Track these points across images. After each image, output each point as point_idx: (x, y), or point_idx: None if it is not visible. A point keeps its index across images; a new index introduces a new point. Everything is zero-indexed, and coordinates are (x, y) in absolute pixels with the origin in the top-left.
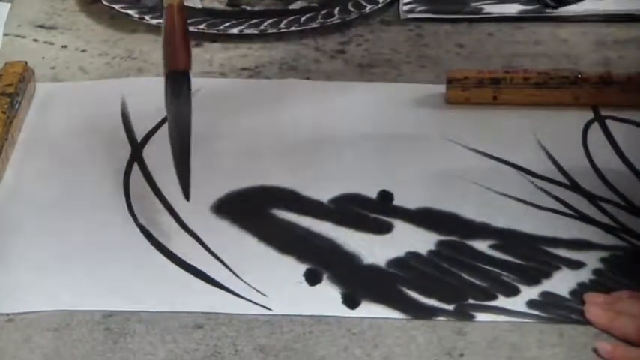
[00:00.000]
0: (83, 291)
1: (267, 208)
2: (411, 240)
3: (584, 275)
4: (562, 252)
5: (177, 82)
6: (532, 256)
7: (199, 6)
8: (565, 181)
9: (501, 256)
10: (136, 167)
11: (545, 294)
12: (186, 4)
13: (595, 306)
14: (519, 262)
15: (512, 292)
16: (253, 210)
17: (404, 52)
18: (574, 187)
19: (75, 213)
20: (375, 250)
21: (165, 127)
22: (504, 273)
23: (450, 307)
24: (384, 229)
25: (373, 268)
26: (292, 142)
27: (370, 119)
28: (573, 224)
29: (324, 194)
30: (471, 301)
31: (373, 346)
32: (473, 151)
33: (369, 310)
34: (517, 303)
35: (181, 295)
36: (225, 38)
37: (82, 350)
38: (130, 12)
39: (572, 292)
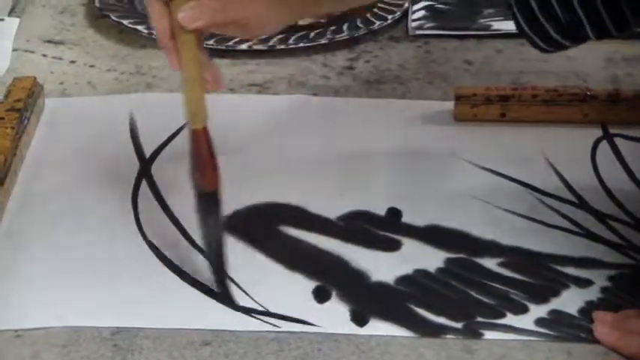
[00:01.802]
0: (91, 307)
1: (275, 225)
2: (419, 257)
3: (592, 294)
4: (570, 270)
5: (208, 202)
6: (540, 275)
7: None
8: (573, 199)
9: (510, 274)
10: (144, 183)
11: (553, 312)
12: None
13: (603, 324)
14: (528, 280)
15: (521, 310)
16: (262, 227)
17: (412, 69)
18: (582, 204)
19: (83, 229)
20: (383, 267)
21: (174, 143)
22: (513, 291)
23: (459, 325)
24: (393, 246)
25: (382, 286)
26: (300, 158)
27: (378, 136)
28: (581, 242)
29: (332, 211)
30: (479, 319)
31: None
32: (481, 168)
33: (377, 327)
34: (525, 321)
35: (189, 312)
36: (233, 54)
37: None
38: (139, 27)
39: (581, 311)
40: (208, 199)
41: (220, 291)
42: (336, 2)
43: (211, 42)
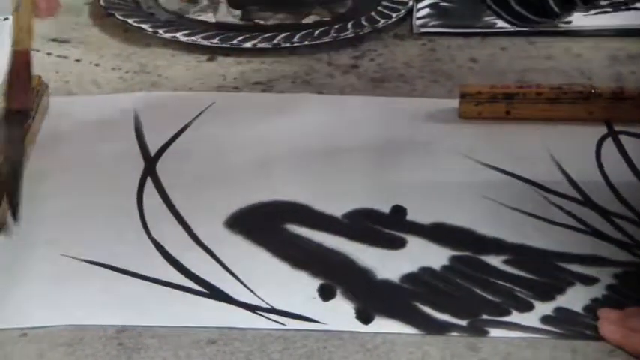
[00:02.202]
0: (96, 306)
1: (280, 223)
2: (424, 255)
3: (597, 291)
4: (575, 268)
5: (16, 120)
6: (545, 272)
7: (213, 20)
8: (578, 197)
9: (515, 272)
10: (149, 181)
11: (558, 310)
12: (199, 18)
13: (609, 322)
14: (533, 277)
15: (526, 307)
16: (267, 225)
17: (417, 67)
18: (587, 202)
19: (88, 227)
20: (388, 265)
21: (179, 142)
22: (518, 288)
23: (464, 323)
24: (398, 244)
25: (387, 284)
26: (305, 156)
27: (383, 134)
28: (586, 240)
29: (337, 209)
30: (484, 316)
31: None
32: (486, 166)
33: (382, 325)
34: (531, 319)
35: (194, 310)
36: (238, 52)
37: None
38: (144, 26)
39: (586, 308)
40: (16, 118)
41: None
42: None
43: (216, 40)
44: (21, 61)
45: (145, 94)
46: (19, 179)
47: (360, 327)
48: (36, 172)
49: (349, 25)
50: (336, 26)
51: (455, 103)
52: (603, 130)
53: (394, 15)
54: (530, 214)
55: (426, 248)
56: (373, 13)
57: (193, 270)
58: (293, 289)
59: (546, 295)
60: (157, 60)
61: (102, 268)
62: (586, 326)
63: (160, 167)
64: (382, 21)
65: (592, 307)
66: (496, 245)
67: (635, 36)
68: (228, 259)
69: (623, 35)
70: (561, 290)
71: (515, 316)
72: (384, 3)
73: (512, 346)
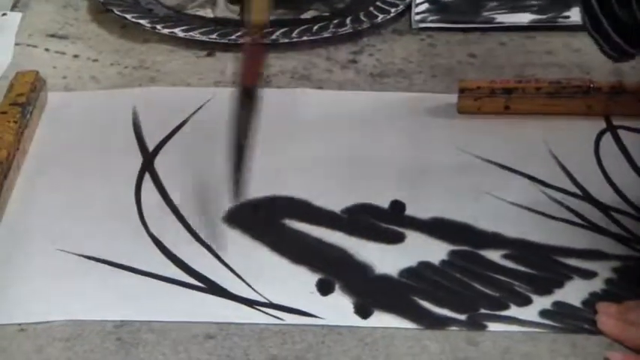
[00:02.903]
0: (94, 301)
1: (279, 218)
2: (423, 250)
3: (596, 285)
4: (574, 262)
5: (247, 96)
6: (544, 266)
7: (211, 15)
8: (577, 191)
9: (513, 266)
10: (147, 177)
11: (557, 304)
12: (197, 13)
13: (607, 316)
14: (531, 272)
15: (525, 302)
16: (265, 220)
17: (416, 62)
18: (586, 197)
19: (86, 222)
20: (387, 260)
21: (177, 137)
22: (517, 283)
23: (463, 317)
24: (397, 239)
25: (385, 278)
26: (304, 151)
27: (382, 129)
28: (585, 234)
29: (336, 204)
30: (483, 311)
31: (385, 356)
32: (485, 160)
33: (381, 320)
34: (529, 313)
35: (193, 305)
36: (237, 48)
37: None
38: (142, 22)
39: (585, 302)
40: (246, 95)
41: (234, 192)
42: None
43: (214, 36)
44: (255, 35)
45: (144, 89)
46: (242, 158)
47: (358, 322)
48: (34, 167)
49: (348, 20)
50: (335, 21)
51: (454, 98)
52: (602, 124)
53: (393, 10)
54: (529, 209)
55: (424, 243)
56: (372, 9)
57: (192, 265)
58: (291, 284)
59: (545, 290)
60: (156, 55)
61: (100, 264)
62: (585, 320)
63: (158, 162)
64: (381, 16)
65: (591, 302)
66: (495, 240)
67: None
68: (227, 255)
69: None
70: (560, 284)
71: (514, 311)
72: None
73: (511, 341)
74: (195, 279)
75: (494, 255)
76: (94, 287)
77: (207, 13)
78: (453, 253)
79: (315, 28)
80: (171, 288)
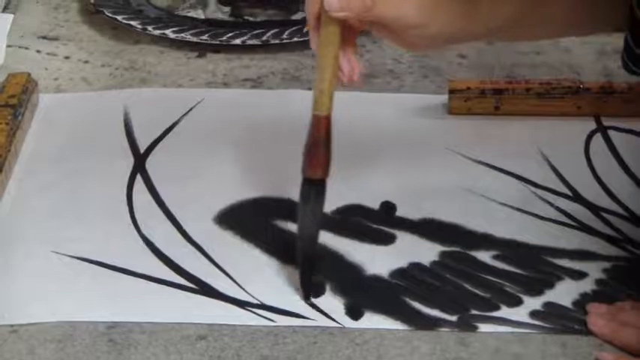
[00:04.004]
0: (86, 302)
1: (269, 219)
2: (413, 251)
3: (586, 286)
4: (564, 262)
5: (312, 190)
6: (535, 267)
7: (202, 17)
8: (567, 192)
9: (504, 267)
10: (139, 178)
11: (548, 304)
12: (188, 14)
13: (598, 316)
14: (522, 272)
15: (515, 302)
16: (256, 221)
17: (406, 63)
18: (576, 197)
19: (78, 224)
20: (377, 261)
21: (168, 138)
22: (507, 284)
23: (453, 318)
24: (387, 240)
25: (376, 279)
26: (295, 152)
27: (372, 130)
28: (576, 235)
29: (327, 205)
30: (473, 311)
31: (376, 357)
32: (475, 161)
33: (372, 320)
34: (520, 314)
35: (184, 306)
36: (228, 49)
37: None
38: (133, 23)
39: (575, 303)
40: (313, 187)
41: (304, 297)
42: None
43: (205, 37)
44: (320, 127)
45: (135, 90)
46: (312, 255)
47: (349, 323)
48: (25, 168)
49: None
50: None
51: (444, 98)
52: (592, 125)
53: None
54: (519, 210)
55: (415, 244)
56: None
57: (183, 266)
58: (283, 285)
59: (535, 290)
60: (147, 57)
61: (92, 265)
62: (575, 321)
63: (150, 164)
64: None
65: (581, 302)
66: (485, 241)
67: (624, 31)
68: (218, 256)
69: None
70: (550, 285)
71: (505, 311)
72: None
73: (502, 341)
74: (187, 280)
75: (484, 256)
76: (85, 288)
77: (199, 14)
78: (443, 253)
79: (306, 29)
80: (162, 289)
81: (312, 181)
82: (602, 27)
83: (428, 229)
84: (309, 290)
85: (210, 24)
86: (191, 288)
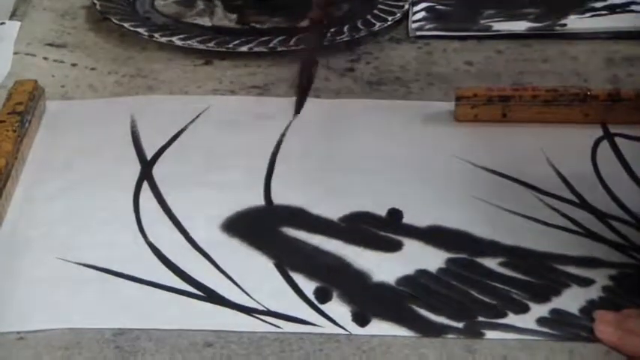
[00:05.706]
0: (93, 309)
1: (276, 226)
2: (420, 258)
3: (593, 293)
4: (571, 269)
5: (315, 30)
6: (541, 274)
7: (209, 24)
8: (574, 199)
9: (511, 274)
10: (145, 185)
11: (554, 312)
12: (195, 22)
13: (605, 324)
14: (529, 279)
15: (522, 309)
16: (263, 228)
17: (413, 70)
18: (583, 204)
19: (85, 231)
20: (384, 268)
21: (175, 145)
22: (514, 291)
23: (460, 325)
24: (394, 246)
25: (383, 286)
26: (302, 160)
27: (379, 137)
28: (582, 242)
29: (333, 212)
30: (480, 318)
31: None
32: (482, 168)
33: (378, 327)
34: (527, 321)
35: (191, 313)
36: (234, 56)
37: None
38: (140, 30)
39: (582, 310)
40: (313, 28)
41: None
42: None
43: (212, 44)
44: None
45: (142, 98)
46: (309, 78)
47: (356, 329)
48: (32, 175)
49: (345, 28)
50: (332, 30)
51: (451, 105)
52: (599, 132)
53: (390, 18)
54: (526, 217)
55: (422, 251)
56: (369, 17)
57: (190, 273)
58: (289, 292)
59: (542, 297)
60: (153, 64)
61: (99, 272)
62: (582, 328)
63: (157, 171)
64: (378, 24)
65: (588, 309)
66: (492, 247)
67: (631, 38)
68: (225, 263)
69: (618, 38)
70: (557, 292)
71: (511, 318)
72: (380, 6)
73: (508, 348)
74: (194, 287)
75: (491, 262)
76: (92, 295)
77: (205, 21)
78: (450, 260)
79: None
80: (169, 296)
81: (312, 24)
82: None
83: (434, 236)
84: (301, 106)
85: (217, 31)
86: (198, 295)
